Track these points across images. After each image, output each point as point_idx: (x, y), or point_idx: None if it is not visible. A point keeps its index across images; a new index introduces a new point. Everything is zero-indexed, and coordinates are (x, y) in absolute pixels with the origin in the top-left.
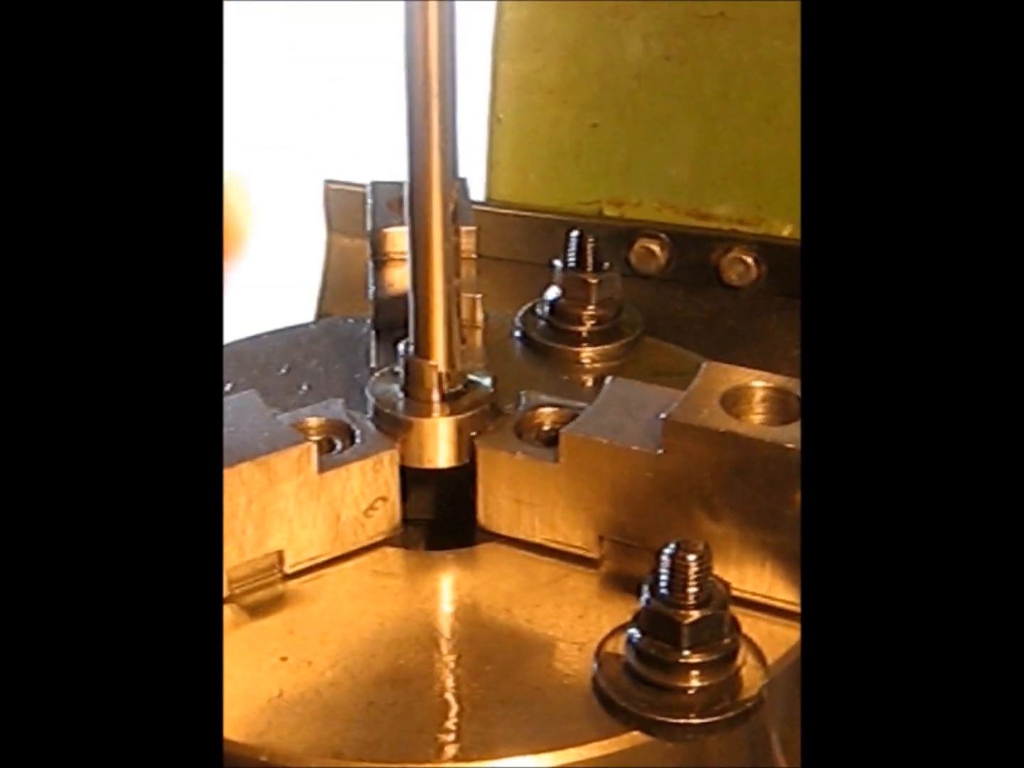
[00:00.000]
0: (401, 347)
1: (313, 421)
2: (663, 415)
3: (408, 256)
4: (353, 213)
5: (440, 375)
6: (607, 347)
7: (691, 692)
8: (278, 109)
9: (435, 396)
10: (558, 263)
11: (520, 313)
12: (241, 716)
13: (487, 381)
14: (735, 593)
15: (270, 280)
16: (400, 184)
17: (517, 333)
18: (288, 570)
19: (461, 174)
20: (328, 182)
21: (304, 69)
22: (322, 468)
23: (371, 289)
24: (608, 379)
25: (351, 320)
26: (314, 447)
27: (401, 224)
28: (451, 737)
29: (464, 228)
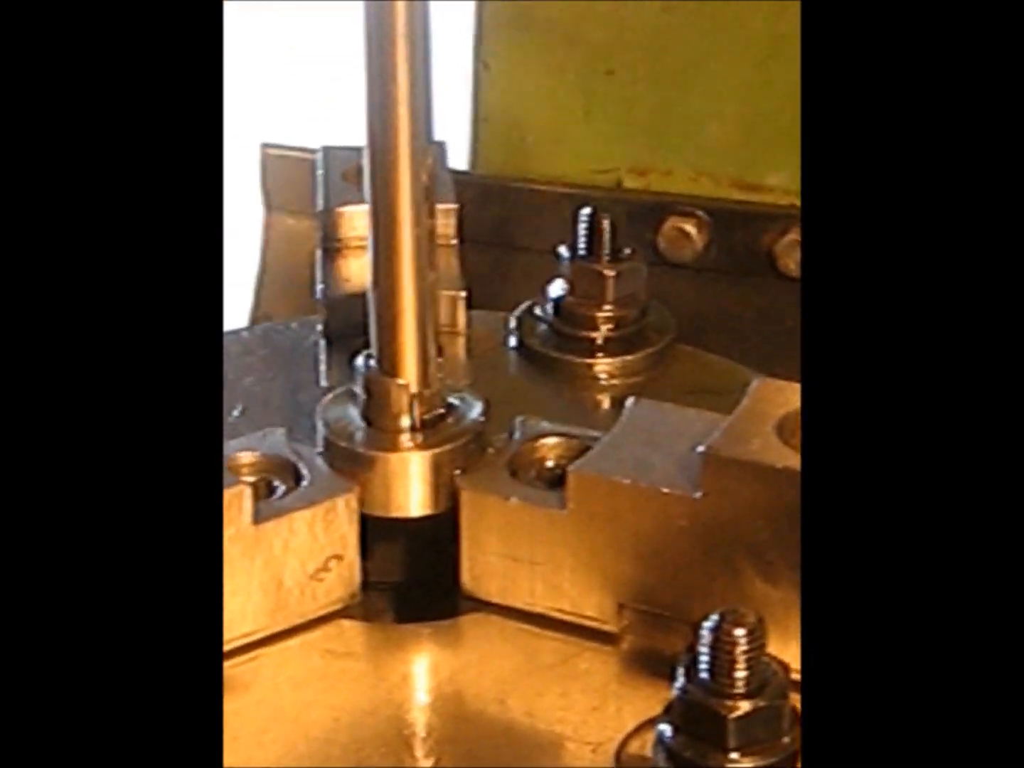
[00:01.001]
0: (360, 360)
1: (246, 457)
2: (701, 448)
3: (369, 243)
4: (299, 187)
5: (412, 397)
6: (628, 358)
7: None
8: (278, 108)
9: (405, 424)
10: (564, 250)
11: (516, 315)
12: None
13: (473, 405)
14: (796, 677)
15: None
16: (359, 150)
17: (512, 341)
18: None
19: (437, 136)
20: (266, 146)
21: (304, 69)
22: (258, 518)
23: (320, 285)
24: (629, 401)
25: (295, 325)
26: (248, 490)
27: (360, 201)
28: None
29: (442, 206)
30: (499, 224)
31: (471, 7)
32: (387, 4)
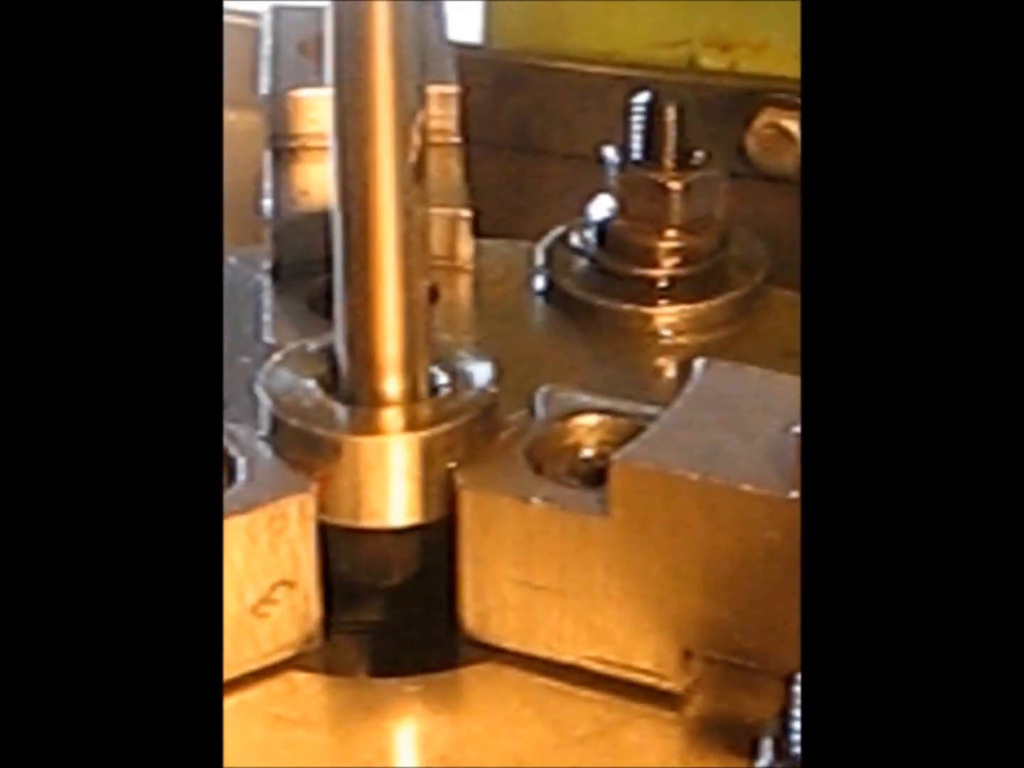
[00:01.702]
0: (320, 306)
1: None
2: (798, 428)
3: (332, 142)
4: (234, 66)
5: (393, 356)
6: (701, 306)
7: None
8: None
9: (384, 394)
10: (612, 153)
11: (544, 245)
12: None
13: (480, 369)
14: None
15: None
16: (318, 12)
17: (538, 281)
18: None
19: None
20: None
21: None
22: None
23: (267, 201)
24: (699, 363)
25: (231, 259)
26: None
27: (321, 84)
28: None
29: (436, 88)
30: (521, 118)
31: None
32: None
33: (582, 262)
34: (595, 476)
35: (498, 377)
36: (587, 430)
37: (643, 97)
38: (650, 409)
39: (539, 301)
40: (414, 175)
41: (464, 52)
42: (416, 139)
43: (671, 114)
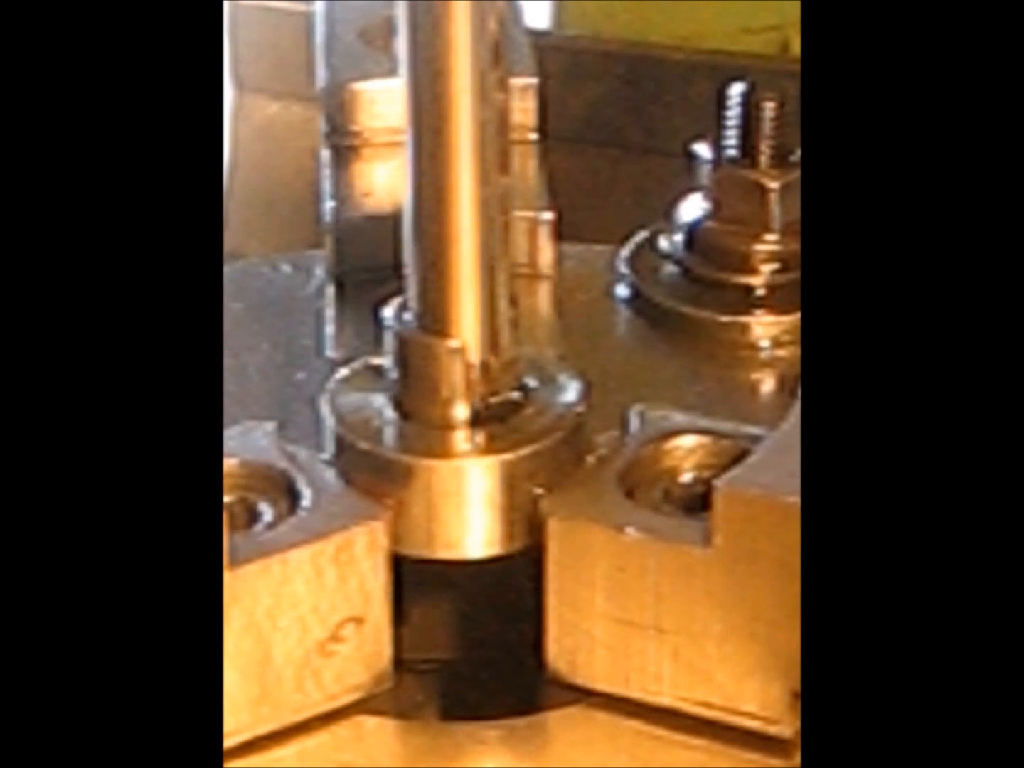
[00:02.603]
0: (390, 315)
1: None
2: None
3: (409, 135)
4: (287, 55)
5: (471, 370)
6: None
7: None
8: None
9: (461, 414)
10: (704, 150)
11: (628, 250)
12: None
13: (566, 385)
14: None
15: None
16: None
17: (622, 289)
18: None
19: None
20: None
21: None
22: (236, 559)
23: (328, 203)
24: None
25: (286, 265)
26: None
27: (389, 73)
28: None
29: (516, 81)
30: (595, 111)
31: None
32: None
33: (670, 268)
34: (694, 503)
35: (586, 394)
36: (685, 453)
37: (738, 88)
38: (753, 429)
39: (623, 310)
40: (497, 174)
41: (537, 38)
42: (497, 138)
43: (770, 107)
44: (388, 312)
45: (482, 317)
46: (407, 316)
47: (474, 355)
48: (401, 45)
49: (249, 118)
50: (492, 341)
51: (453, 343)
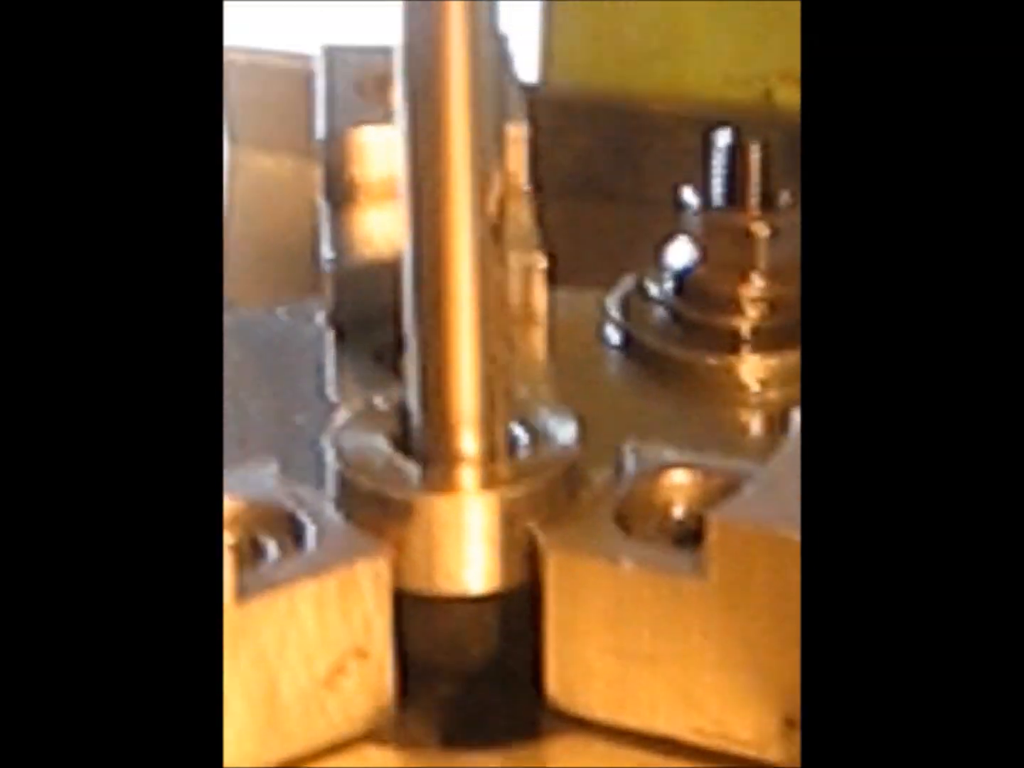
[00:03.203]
0: (389, 359)
1: (225, 503)
2: None
3: (404, 191)
4: (281, 109)
5: (469, 412)
6: (788, 357)
7: None
8: None
9: (461, 452)
10: (690, 196)
11: (618, 295)
12: None
13: (562, 424)
14: None
15: None
16: (379, 52)
17: (612, 333)
18: None
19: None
20: (231, 50)
21: None
22: (242, 595)
23: (327, 251)
24: (797, 415)
25: (283, 312)
26: (228, 552)
27: (384, 122)
28: None
29: (510, 130)
30: (587, 162)
31: None
32: None
33: (660, 312)
34: (687, 536)
35: (580, 433)
36: (677, 487)
37: (724, 135)
38: (744, 464)
39: (614, 353)
40: (494, 222)
41: (526, 91)
42: (494, 187)
43: (755, 153)
44: (387, 359)
45: (480, 361)
46: (411, 365)
47: (472, 397)
48: (398, 95)
49: (244, 171)
50: (490, 383)
51: (454, 388)
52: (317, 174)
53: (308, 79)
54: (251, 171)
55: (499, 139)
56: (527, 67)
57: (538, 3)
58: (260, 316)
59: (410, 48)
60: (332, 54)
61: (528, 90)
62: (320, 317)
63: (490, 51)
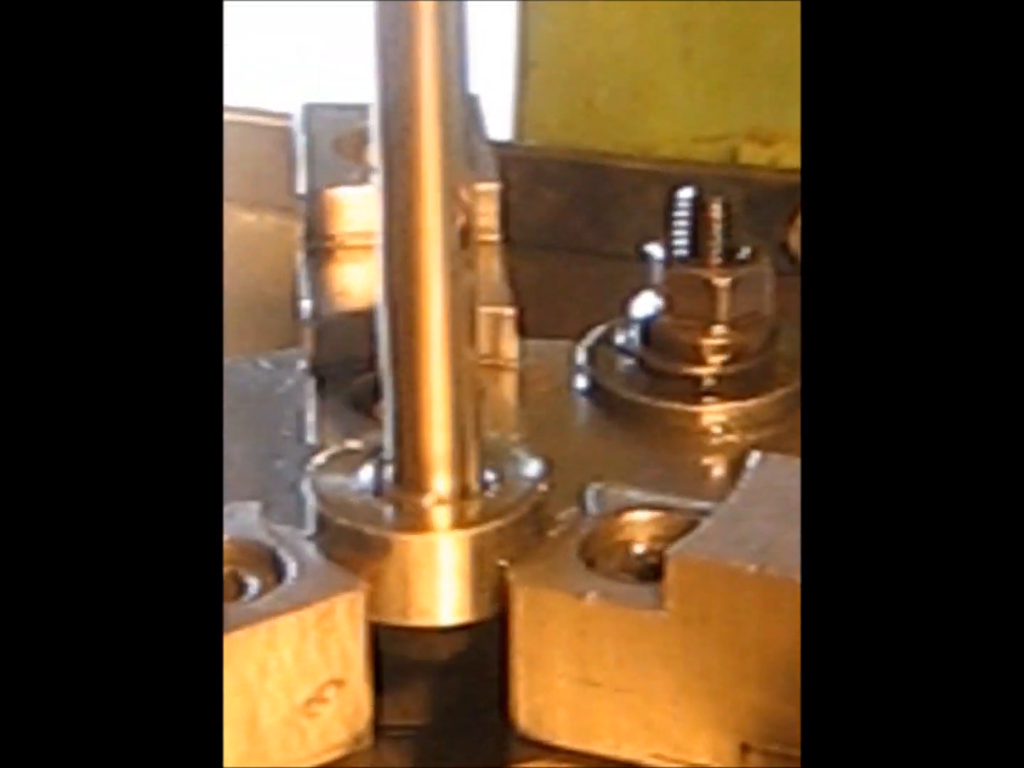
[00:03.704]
0: (360, 404)
1: None
2: None
3: (380, 239)
4: (259, 165)
5: (442, 454)
6: (749, 404)
7: None
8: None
9: (434, 492)
10: (655, 249)
11: (586, 344)
12: None
13: (529, 466)
14: None
15: None
16: (356, 109)
17: (581, 381)
18: None
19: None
20: None
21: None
22: (227, 626)
23: (305, 302)
24: (754, 457)
25: (264, 362)
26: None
27: (360, 182)
28: None
29: (481, 187)
30: (557, 216)
31: None
32: None
33: (626, 361)
34: (648, 571)
35: (548, 474)
36: (639, 526)
37: (687, 192)
38: (702, 504)
39: (582, 400)
40: (464, 273)
41: (496, 148)
42: (463, 241)
43: (717, 210)
44: (364, 404)
45: (452, 406)
46: (386, 410)
47: (444, 440)
48: (375, 155)
49: (224, 227)
50: (461, 428)
51: (427, 431)
52: (297, 229)
53: (287, 136)
54: (231, 226)
55: (469, 187)
56: (501, 126)
57: (512, 65)
58: (243, 365)
59: (384, 109)
60: (311, 112)
61: (501, 148)
62: (300, 366)
63: (460, 109)
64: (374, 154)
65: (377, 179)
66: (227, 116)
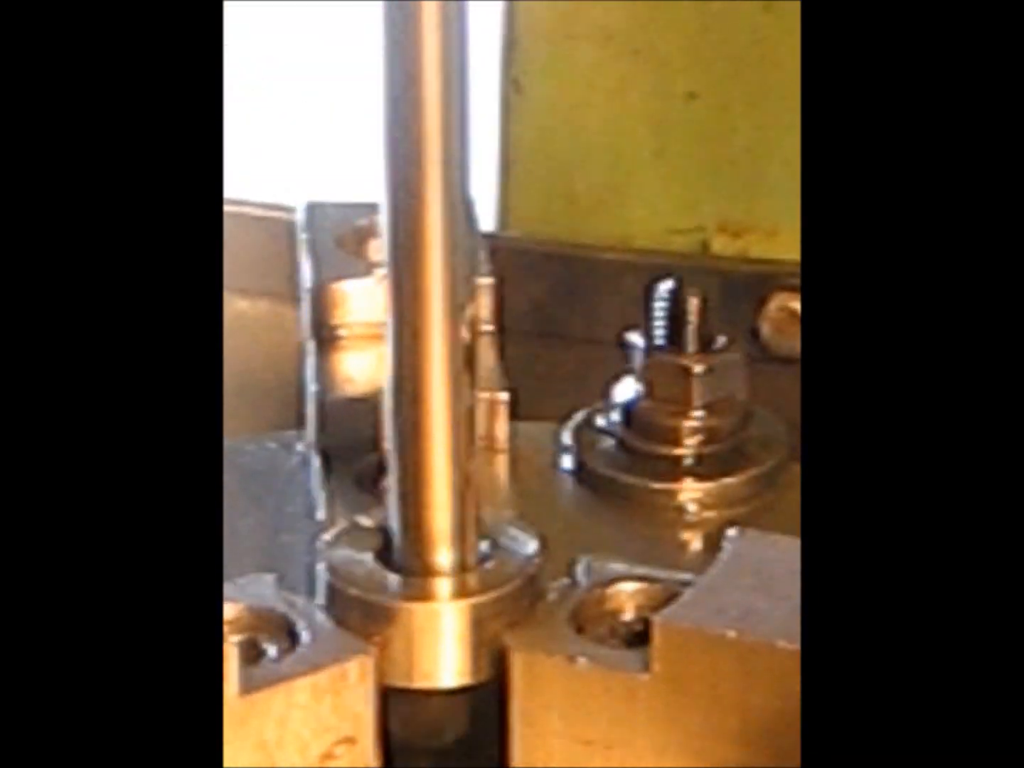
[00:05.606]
0: (364, 483)
1: (228, 610)
2: None
3: (388, 330)
4: (259, 257)
5: (444, 530)
6: (725, 483)
7: None
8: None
9: (437, 565)
10: (635, 338)
11: (571, 427)
12: None
13: (525, 541)
14: None
15: None
16: (356, 208)
17: (566, 461)
18: None
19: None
20: None
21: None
22: (245, 688)
23: (313, 387)
24: (731, 532)
25: (271, 442)
26: (233, 652)
27: (365, 273)
28: None
29: (477, 281)
30: (540, 305)
31: (498, 7)
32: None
33: (609, 442)
34: (634, 638)
35: (541, 548)
36: (626, 595)
37: (666, 285)
38: (684, 576)
39: (568, 478)
40: (465, 362)
41: (486, 239)
42: (465, 332)
43: (694, 302)
44: (371, 482)
45: (453, 485)
46: (391, 488)
47: (446, 516)
48: (385, 249)
49: (233, 317)
50: (462, 505)
51: (431, 508)
52: (294, 317)
53: (285, 228)
54: (227, 313)
55: (469, 282)
56: (486, 219)
57: (496, 160)
58: (248, 446)
59: (394, 208)
60: (313, 210)
61: (487, 239)
62: (303, 447)
63: (462, 210)
64: (383, 248)
65: (384, 272)
66: (232, 209)
